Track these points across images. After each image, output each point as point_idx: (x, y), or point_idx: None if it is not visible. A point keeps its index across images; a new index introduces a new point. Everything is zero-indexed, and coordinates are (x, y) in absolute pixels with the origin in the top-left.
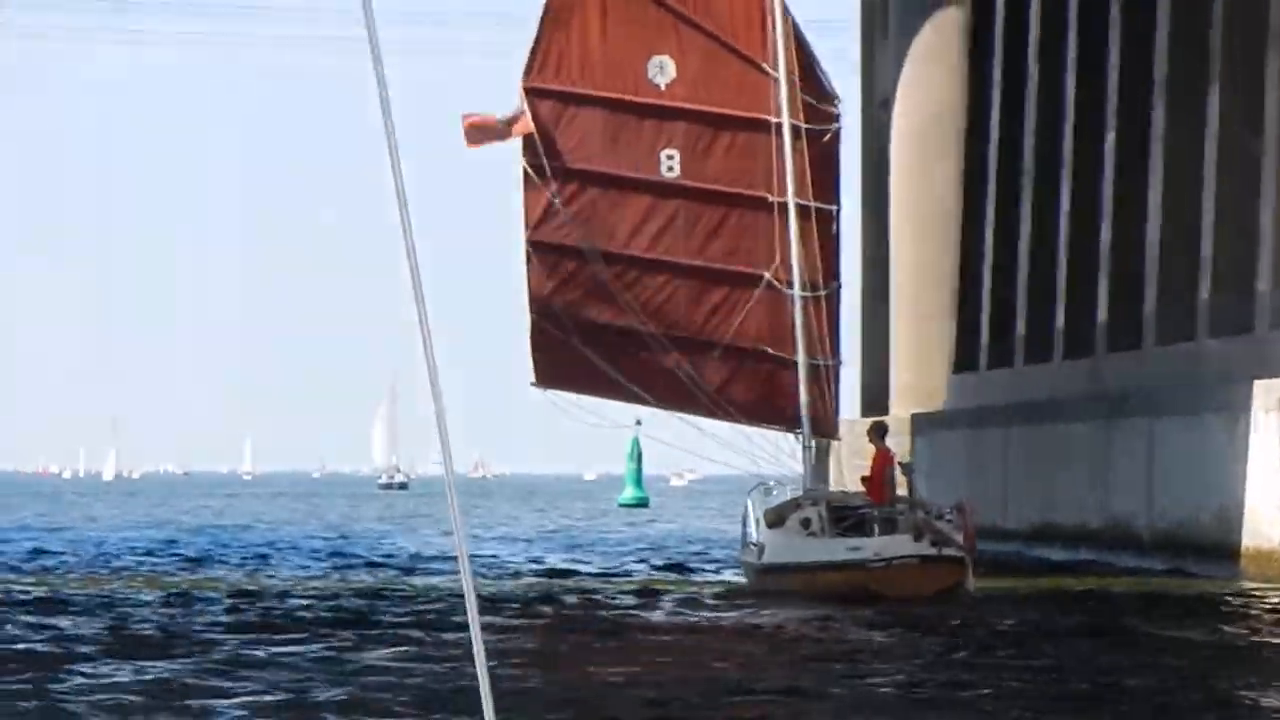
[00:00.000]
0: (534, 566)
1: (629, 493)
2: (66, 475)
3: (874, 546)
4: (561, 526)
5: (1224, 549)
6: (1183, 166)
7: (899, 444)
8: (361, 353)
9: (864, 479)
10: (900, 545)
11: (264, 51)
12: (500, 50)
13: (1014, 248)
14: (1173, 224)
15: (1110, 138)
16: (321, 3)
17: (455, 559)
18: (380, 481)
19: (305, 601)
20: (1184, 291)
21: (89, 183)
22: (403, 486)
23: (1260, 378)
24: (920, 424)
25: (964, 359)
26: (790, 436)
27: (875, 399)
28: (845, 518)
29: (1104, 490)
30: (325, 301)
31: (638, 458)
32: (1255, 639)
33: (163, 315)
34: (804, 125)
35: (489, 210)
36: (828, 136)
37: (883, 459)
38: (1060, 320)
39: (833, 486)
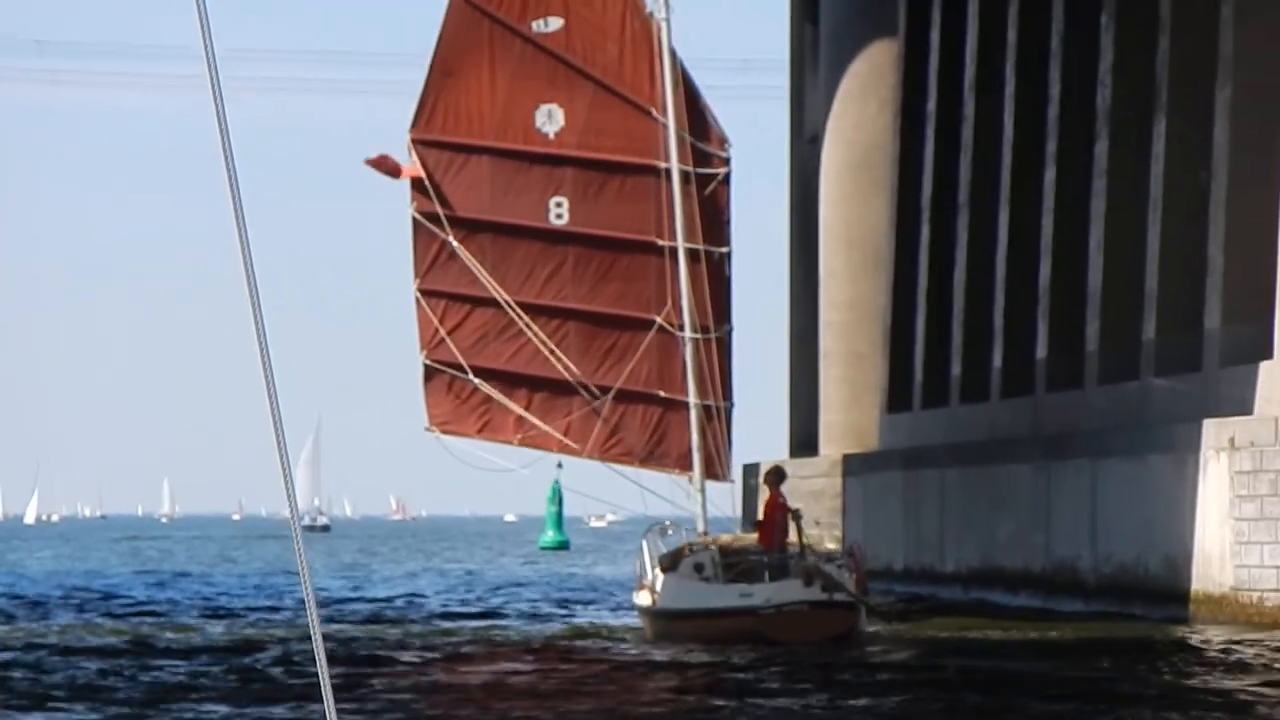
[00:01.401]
0: (439, 608)
1: (550, 535)
2: None
3: (765, 593)
4: (477, 569)
5: (1173, 593)
6: (1126, 200)
7: (831, 484)
8: (282, 394)
9: (757, 523)
10: (791, 591)
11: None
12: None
13: (949, 284)
14: (1115, 259)
15: (1050, 171)
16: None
17: (375, 601)
18: (304, 523)
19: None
20: (1127, 329)
21: (14, 214)
22: (325, 529)
23: (1209, 417)
24: (853, 464)
25: (897, 398)
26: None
27: (804, 440)
28: (737, 563)
29: (1046, 533)
30: (244, 342)
31: (558, 500)
32: (1206, 681)
33: (80, 355)
34: (693, 170)
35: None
36: (717, 180)
37: (774, 504)
38: (998, 359)
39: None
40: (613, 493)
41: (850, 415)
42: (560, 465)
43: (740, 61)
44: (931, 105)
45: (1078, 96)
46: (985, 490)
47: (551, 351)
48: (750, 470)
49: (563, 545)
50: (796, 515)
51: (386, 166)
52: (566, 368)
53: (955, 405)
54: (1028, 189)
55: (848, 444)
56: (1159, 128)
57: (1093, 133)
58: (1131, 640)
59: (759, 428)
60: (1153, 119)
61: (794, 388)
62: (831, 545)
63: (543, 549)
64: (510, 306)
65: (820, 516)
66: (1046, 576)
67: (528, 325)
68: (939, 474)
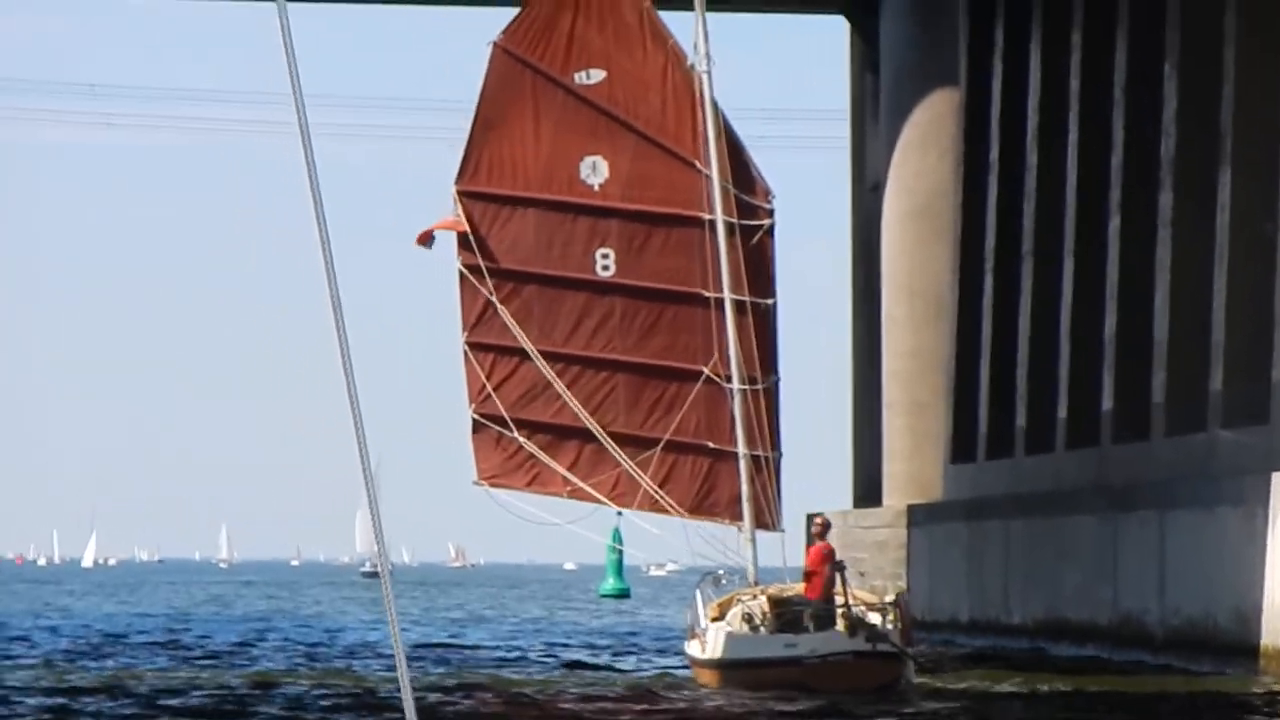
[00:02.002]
0: (509, 654)
1: (610, 583)
2: (42, 562)
3: (810, 643)
4: (540, 617)
5: (1242, 647)
6: (1192, 250)
7: (895, 535)
8: (343, 441)
9: (806, 574)
10: (835, 642)
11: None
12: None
13: (1013, 334)
14: (1181, 310)
15: (1115, 220)
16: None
17: (438, 647)
18: (364, 569)
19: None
20: (1194, 380)
21: (68, 260)
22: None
23: (1276, 469)
24: (917, 515)
25: (961, 449)
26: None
27: (867, 489)
28: (784, 613)
29: (1113, 585)
30: (305, 387)
31: (619, 549)
32: None
33: (141, 401)
34: (737, 221)
35: None
36: (762, 232)
37: (820, 555)
38: (1063, 410)
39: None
40: (666, 543)
41: (913, 465)
42: (620, 514)
43: (798, 110)
44: (994, 154)
45: (1141, 145)
46: (1050, 542)
47: (599, 404)
48: (813, 519)
49: (623, 593)
50: (840, 566)
51: (430, 233)
52: (614, 419)
53: (1020, 456)
54: (1092, 238)
55: (911, 494)
56: (1224, 177)
57: (1157, 181)
58: (1199, 694)
59: (822, 477)
60: (1218, 168)
61: (857, 437)
62: (871, 595)
63: (603, 597)
64: (543, 360)
65: (884, 567)
66: (1113, 629)
67: (559, 380)
68: (1004, 525)
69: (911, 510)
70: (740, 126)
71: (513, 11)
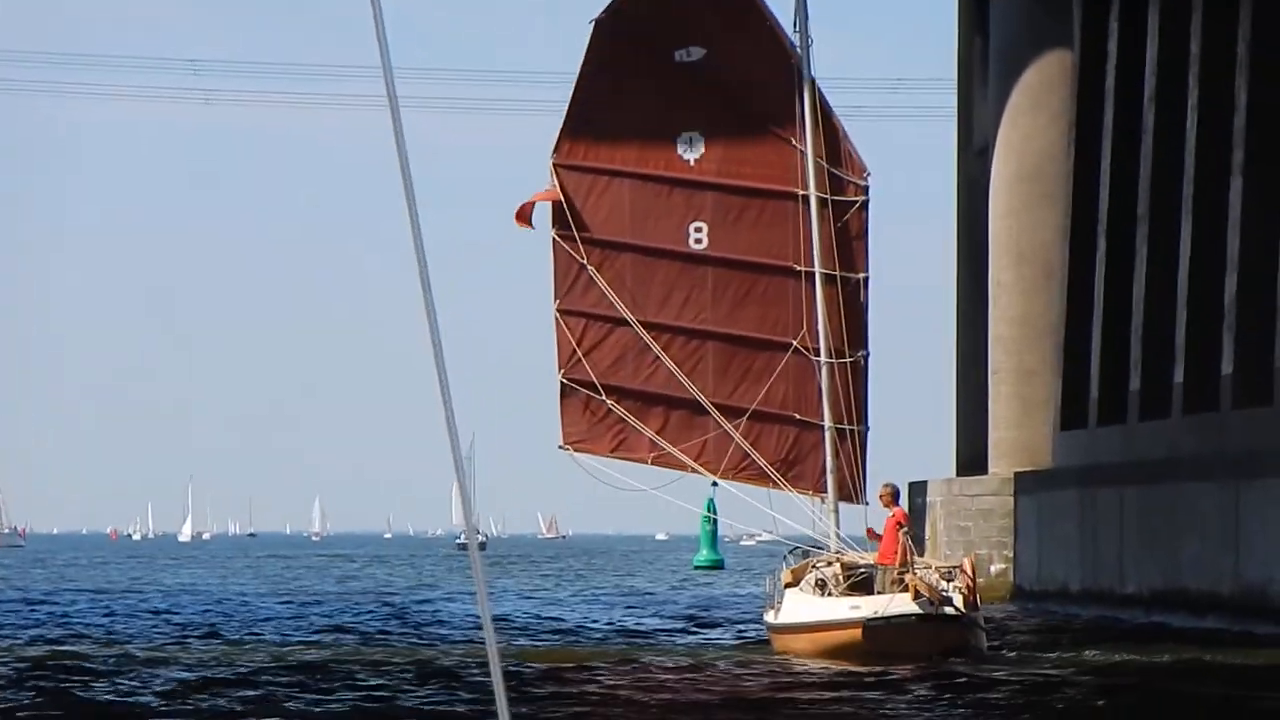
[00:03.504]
0: (604, 627)
1: (704, 554)
2: (137, 536)
3: (874, 605)
4: (640, 588)
5: None
6: None
7: (1001, 503)
8: (433, 412)
9: (877, 540)
10: (899, 604)
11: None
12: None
13: (1127, 298)
14: None
15: (1236, 181)
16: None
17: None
18: (458, 541)
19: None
20: None
21: (167, 239)
22: (481, 546)
23: None
24: (1026, 483)
25: (1072, 415)
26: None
27: (971, 458)
28: (854, 578)
29: (1235, 554)
30: (396, 362)
31: (713, 519)
32: None
33: (233, 377)
34: (830, 197)
35: None
36: (855, 207)
37: (890, 522)
38: (1179, 374)
39: (927, 549)
40: (754, 513)
41: (1020, 432)
42: (716, 484)
43: (894, 80)
44: (1109, 116)
45: (1266, 106)
46: (1168, 510)
47: (688, 373)
48: (916, 489)
49: (718, 564)
50: (906, 532)
51: (529, 207)
52: (702, 389)
53: (1134, 422)
54: (1212, 201)
55: (1017, 461)
56: None
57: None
58: None
59: (923, 446)
60: None
61: (961, 405)
62: (940, 561)
63: (697, 568)
64: (644, 328)
65: (990, 535)
66: (1235, 599)
67: (659, 348)
68: (1118, 493)
69: (1019, 478)
70: (857, 97)
71: None
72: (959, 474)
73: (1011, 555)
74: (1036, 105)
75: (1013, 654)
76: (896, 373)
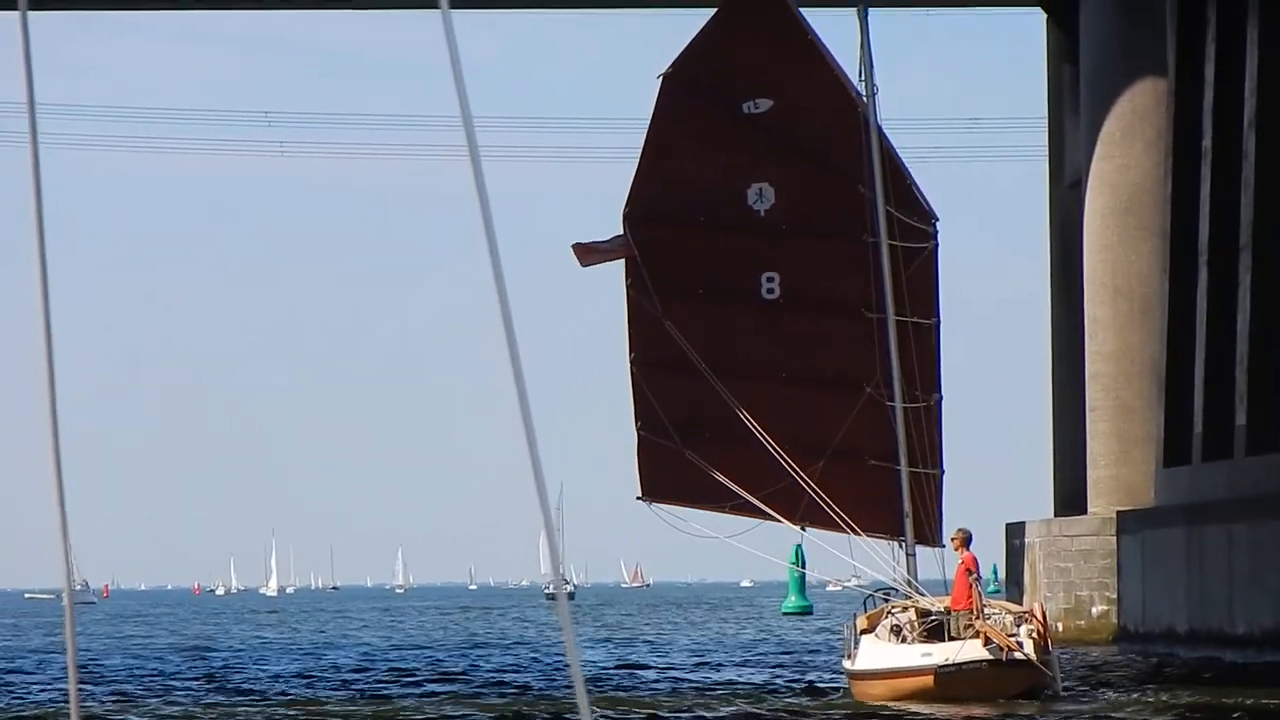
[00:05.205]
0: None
1: (792, 600)
2: (220, 591)
3: (945, 652)
4: (750, 638)
5: None
6: None
7: (1102, 543)
8: (515, 461)
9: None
10: (970, 650)
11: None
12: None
13: (1231, 330)
14: None
15: None
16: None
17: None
18: (547, 591)
19: None
20: None
21: (241, 291)
22: (570, 596)
23: None
24: (1129, 522)
25: (1175, 452)
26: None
27: (1069, 497)
28: (929, 624)
29: None
30: (477, 411)
31: (801, 565)
32: None
33: (315, 429)
34: (900, 244)
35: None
36: (924, 254)
37: (961, 567)
38: None
39: (1026, 592)
40: (836, 560)
41: (1120, 470)
42: (804, 530)
43: (970, 120)
44: (1207, 142)
45: None
46: (1278, 546)
47: (763, 420)
48: (1014, 530)
49: (806, 610)
50: (976, 577)
51: (601, 253)
52: (777, 436)
53: (1240, 457)
54: None
55: (1117, 500)
56: None
57: None
58: None
59: (1019, 487)
60: None
61: (1057, 444)
62: (1014, 605)
63: (785, 614)
64: (718, 377)
65: (1091, 576)
66: None
67: (733, 397)
68: (1225, 529)
69: (1121, 517)
70: (934, 137)
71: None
72: (1057, 513)
73: (1113, 596)
74: (1130, 134)
75: (1099, 693)
76: (986, 413)
